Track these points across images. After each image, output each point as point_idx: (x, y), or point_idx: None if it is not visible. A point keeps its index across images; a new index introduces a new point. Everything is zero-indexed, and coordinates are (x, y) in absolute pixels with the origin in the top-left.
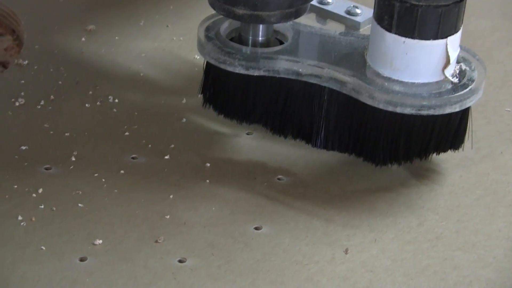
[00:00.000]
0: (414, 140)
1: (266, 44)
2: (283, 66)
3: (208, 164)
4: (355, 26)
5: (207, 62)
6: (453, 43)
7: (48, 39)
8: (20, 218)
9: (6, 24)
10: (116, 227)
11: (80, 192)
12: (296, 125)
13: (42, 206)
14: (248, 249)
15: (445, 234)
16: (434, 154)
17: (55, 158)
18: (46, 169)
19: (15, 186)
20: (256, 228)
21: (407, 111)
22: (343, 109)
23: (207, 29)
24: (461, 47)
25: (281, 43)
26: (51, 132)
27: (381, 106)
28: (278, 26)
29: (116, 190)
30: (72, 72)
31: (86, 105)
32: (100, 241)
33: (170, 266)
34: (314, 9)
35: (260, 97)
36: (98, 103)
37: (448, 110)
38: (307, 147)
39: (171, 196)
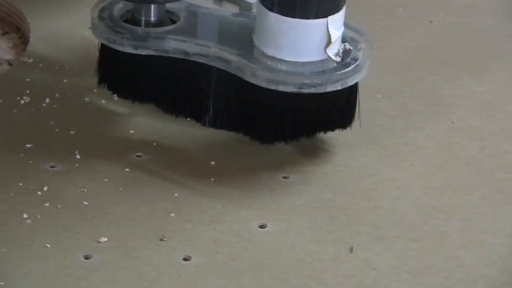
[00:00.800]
0: (299, 119)
1: (159, 24)
2: (171, 45)
3: (213, 162)
4: (248, 7)
5: (101, 43)
6: (334, 22)
7: (53, 36)
8: (25, 215)
9: (11, 22)
10: (120, 224)
11: (85, 190)
12: (186, 105)
13: (47, 204)
14: (252, 247)
15: (450, 233)
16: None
17: (60, 156)
18: (51, 167)
19: (20, 184)
20: (261, 226)
21: (289, 89)
22: (230, 88)
23: (101, 10)
24: (349, 27)
25: (175, 23)
26: (56, 130)
27: (263, 85)
28: (172, 7)
29: (120, 188)
30: (77, 70)
31: (91, 103)
32: (105, 239)
33: (175, 263)
34: None
35: (151, 77)
36: (103, 101)
37: (330, 88)
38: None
39: (176, 194)
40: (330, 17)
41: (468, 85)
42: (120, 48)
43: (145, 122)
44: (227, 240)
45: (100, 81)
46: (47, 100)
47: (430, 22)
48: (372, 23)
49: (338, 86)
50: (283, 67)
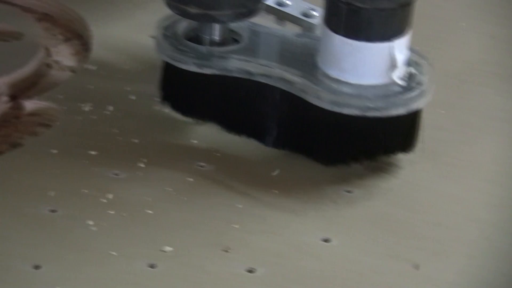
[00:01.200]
0: (361, 142)
1: (223, 43)
2: (235, 65)
3: (276, 174)
4: (311, 28)
5: (165, 61)
6: (400, 46)
7: (115, 44)
8: (90, 222)
9: (73, 28)
10: (184, 234)
11: (149, 199)
12: (248, 125)
13: (112, 212)
14: (315, 260)
15: (511, 251)
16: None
17: (124, 164)
18: (115, 174)
19: (85, 191)
20: (324, 240)
21: (353, 112)
22: (294, 110)
23: (165, 28)
24: (413, 50)
25: (238, 43)
26: (120, 138)
27: (327, 107)
28: (235, 26)
29: (184, 198)
30: (140, 78)
31: (154, 111)
32: (169, 248)
33: (238, 275)
34: (273, 10)
35: (214, 96)
36: (166, 109)
37: (394, 112)
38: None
39: (239, 206)
40: (395, 41)
41: None
42: (184, 67)
43: (209, 132)
44: (290, 253)
45: (163, 99)
46: (111, 108)
47: (492, 38)
48: (432, 36)
49: (402, 111)
50: (347, 89)
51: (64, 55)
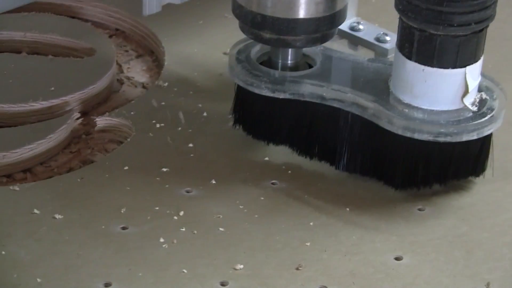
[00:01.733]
0: (432, 166)
1: (295, 67)
2: (308, 90)
3: (348, 192)
4: (384, 52)
5: (237, 84)
6: (472, 72)
7: (187, 61)
8: (161, 240)
9: (145, 45)
10: (256, 252)
11: (221, 216)
12: (320, 148)
13: (183, 229)
14: (389, 279)
15: None
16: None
17: (196, 181)
18: (187, 191)
19: (157, 208)
20: (397, 258)
21: (425, 137)
22: (365, 134)
23: (238, 52)
24: (484, 76)
25: (311, 67)
26: (192, 155)
27: (399, 132)
28: (308, 51)
29: (256, 215)
30: (212, 95)
31: (226, 128)
32: (241, 266)
33: None
34: (346, 35)
35: (286, 119)
36: (238, 127)
37: (465, 138)
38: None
39: (311, 223)
40: (468, 67)
41: None
42: (257, 91)
43: (281, 150)
44: (363, 272)
45: (236, 122)
46: (182, 125)
47: None
48: (507, 55)
49: (474, 136)
50: (419, 115)
51: (136, 71)
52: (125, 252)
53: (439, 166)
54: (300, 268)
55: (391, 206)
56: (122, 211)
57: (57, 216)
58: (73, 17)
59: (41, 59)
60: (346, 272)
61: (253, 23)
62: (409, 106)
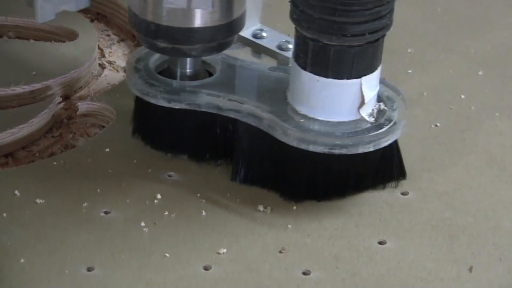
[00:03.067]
0: (330, 179)
1: (195, 76)
2: (205, 100)
3: None
4: (286, 61)
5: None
6: (368, 83)
7: None
8: (143, 224)
9: (127, 29)
10: (240, 236)
11: (203, 201)
12: (219, 160)
13: (166, 213)
14: (372, 263)
15: None
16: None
17: (178, 166)
18: (169, 176)
19: (139, 192)
20: (380, 243)
21: (320, 149)
22: (262, 145)
23: (137, 60)
24: (386, 85)
25: (211, 75)
26: None
27: (294, 144)
28: (208, 59)
29: (238, 199)
30: None
31: None
32: (225, 250)
33: (294, 277)
34: (249, 42)
35: (184, 130)
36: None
37: (361, 150)
38: None
39: (294, 208)
40: (364, 78)
41: None
42: (153, 101)
43: None
44: (346, 256)
45: (134, 132)
46: None
47: None
48: (494, 42)
49: (370, 148)
50: (315, 126)
51: (117, 56)
52: (108, 237)
53: (337, 179)
54: (283, 252)
55: (375, 192)
56: (104, 196)
57: (39, 200)
58: None
59: (22, 43)
60: (330, 257)
61: (148, 32)
62: (305, 117)
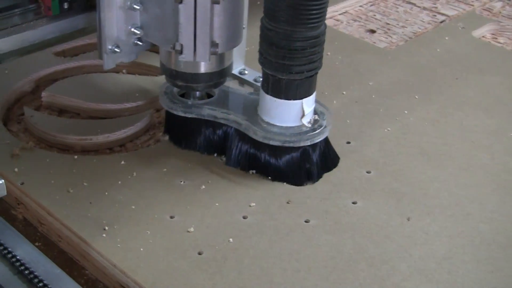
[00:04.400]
0: (287, 164)
1: (201, 97)
2: (206, 112)
3: None
4: (258, 89)
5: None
6: (307, 102)
7: None
8: (203, 187)
9: None
10: (265, 194)
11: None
12: (217, 150)
13: (216, 178)
14: (348, 216)
15: (473, 212)
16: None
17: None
18: (221, 159)
19: (200, 167)
20: (353, 203)
21: (276, 143)
22: (243, 141)
23: (166, 88)
24: (320, 104)
25: (211, 96)
26: None
27: (260, 140)
28: None
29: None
30: None
31: None
32: (254, 204)
33: (299, 224)
34: (236, 77)
35: (195, 131)
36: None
37: (302, 143)
38: None
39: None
40: (304, 99)
41: None
42: (175, 112)
43: None
44: (332, 210)
45: (165, 132)
46: None
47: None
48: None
49: (307, 143)
50: (274, 129)
51: None
52: (182, 196)
53: (288, 165)
54: (289, 202)
55: (350, 170)
56: (182, 170)
57: (135, 173)
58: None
59: (132, 77)
60: (321, 211)
61: (171, 75)
62: (268, 123)
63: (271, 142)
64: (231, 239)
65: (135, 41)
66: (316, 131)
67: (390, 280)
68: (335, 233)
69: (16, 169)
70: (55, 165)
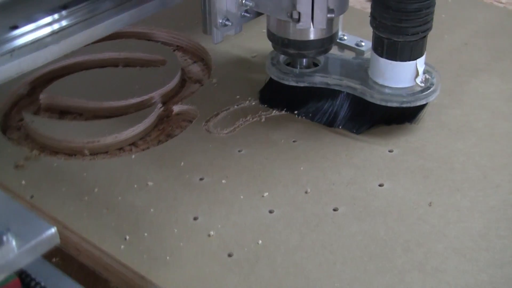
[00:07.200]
0: (397, 120)
1: (307, 66)
2: (318, 80)
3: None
4: (361, 53)
5: (270, 78)
6: (420, 62)
7: (229, 66)
8: (223, 181)
9: (198, 54)
10: (281, 183)
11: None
12: (325, 116)
13: (235, 170)
14: (376, 199)
15: (502, 184)
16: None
17: (244, 141)
18: (239, 151)
19: (219, 161)
20: (380, 185)
21: (394, 104)
22: (356, 106)
23: (272, 58)
24: (426, 63)
25: (316, 65)
26: (241, 123)
27: (378, 102)
28: None
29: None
30: (244, 91)
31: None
32: (267, 194)
33: (328, 213)
34: (336, 43)
35: (304, 99)
36: (264, 104)
37: (419, 103)
38: None
39: (302, 168)
40: (418, 59)
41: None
42: (286, 82)
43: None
44: (359, 195)
45: (262, 101)
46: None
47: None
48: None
49: (424, 102)
50: (389, 91)
51: (194, 73)
52: (204, 195)
53: (400, 119)
54: (308, 192)
55: (371, 151)
56: (199, 167)
57: (150, 183)
58: (148, 40)
59: (132, 70)
60: (348, 197)
61: (283, 44)
62: (382, 85)
63: (389, 104)
64: (260, 237)
65: (243, 13)
66: (430, 89)
67: (429, 263)
68: (366, 219)
69: (23, 182)
70: (64, 173)
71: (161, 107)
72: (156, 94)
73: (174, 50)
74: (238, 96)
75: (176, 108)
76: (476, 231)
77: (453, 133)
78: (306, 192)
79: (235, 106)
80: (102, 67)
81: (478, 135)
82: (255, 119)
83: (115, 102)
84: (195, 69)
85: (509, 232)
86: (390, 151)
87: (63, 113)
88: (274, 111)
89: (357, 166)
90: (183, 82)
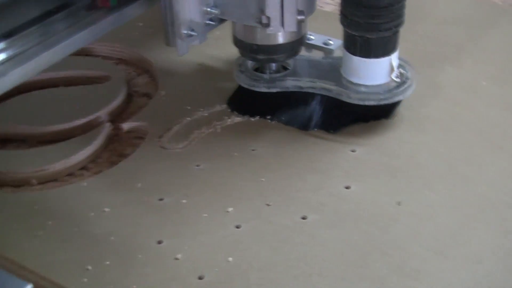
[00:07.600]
0: (375, 117)
1: (277, 70)
2: (291, 84)
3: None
4: (330, 52)
5: (239, 85)
6: (394, 57)
7: (176, 76)
8: (184, 201)
9: (142, 66)
10: (244, 196)
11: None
12: (299, 120)
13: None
14: (345, 203)
15: (468, 174)
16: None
17: (204, 157)
18: (197, 165)
19: (177, 180)
20: (346, 187)
21: (372, 103)
22: (331, 106)
23: (239, 65)
24: (400, 58)
25: (286, 68)
26: (196, 137)
27: (355, 102)
28: None
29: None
30: (197, 101)
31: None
32: (242, 208)
33: (297, 222)
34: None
35: (277, 104)
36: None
37: (396, 99)
38: None
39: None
40: (392, 55)
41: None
42: (257, 89)
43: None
44: (327, 201)
45: (233, 110)
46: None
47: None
48: None
49: (401, 97)
50: (365, 89)
51: (140, 86)
52: (165, 215)
53: (379, 117)
54: (269, 204)
55: (334, 152)
56: (157, 186)
57: (105, 199)
58: (87, 55)
59: (74, 89)
60: (317, 203)
61: (251, 50)
62: (357, 84)
63: (367, 103)
64: (229, 254)
65: (207, 22)
66: (406, 84)
67: (408, 265)
68: (337, 225)
69: None
70: (12, 207)
71: (109, 126)
72: (103, 113)
73: (116, 64)
74: (189, 107)
75: (126, 126)
76: (450, 226)
77: (413, 126)
78: (271, 203)
79: (188, 119)
80: (40, 89)
81: (440, 126)
82: (210, 130)
83: (60, 125)
84: (141, 82)
85: (484, 224)
86: (353, 151)
87: (4, 141)
88: (229, 120)
89: (321, 170)
90: (129, 97)
